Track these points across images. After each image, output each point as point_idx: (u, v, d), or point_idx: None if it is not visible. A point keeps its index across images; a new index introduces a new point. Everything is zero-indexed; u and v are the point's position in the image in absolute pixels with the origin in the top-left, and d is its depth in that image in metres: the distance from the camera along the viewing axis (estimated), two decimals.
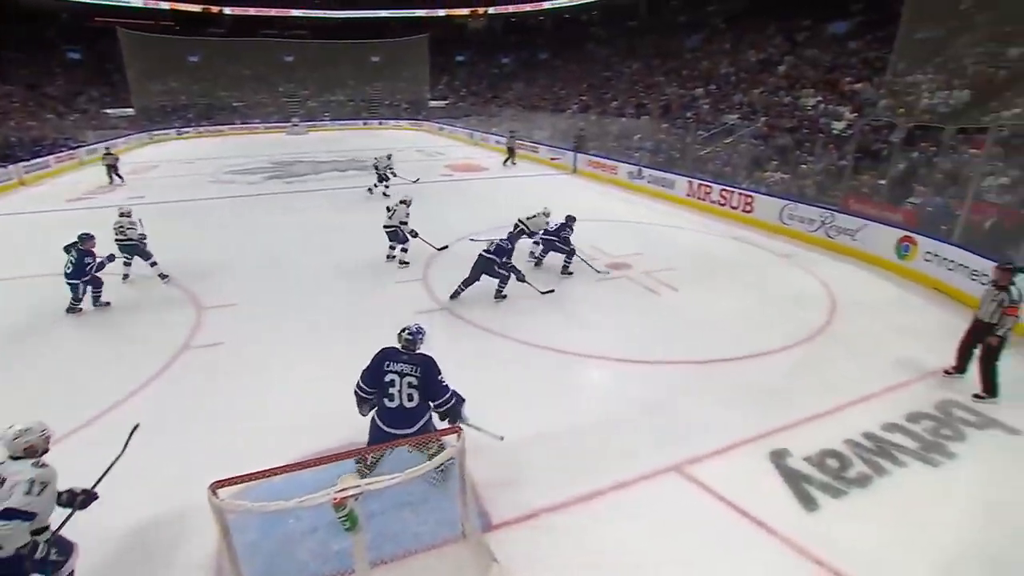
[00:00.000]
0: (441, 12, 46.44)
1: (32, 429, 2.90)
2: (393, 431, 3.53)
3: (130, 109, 34.32)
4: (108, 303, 7.35)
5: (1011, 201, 8.68)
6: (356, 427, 4.17)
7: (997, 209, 8.53)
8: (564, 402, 5.20)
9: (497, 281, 7.43)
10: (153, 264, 8.36)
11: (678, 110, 21.06)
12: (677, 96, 22.59)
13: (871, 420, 4.85)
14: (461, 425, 3.51)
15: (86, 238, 7.12)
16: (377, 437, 3.63)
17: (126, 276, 8.33)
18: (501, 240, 7.54)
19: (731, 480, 4.10)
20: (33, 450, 2.88)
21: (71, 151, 22.27)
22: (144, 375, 5.61)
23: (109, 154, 17.95)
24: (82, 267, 6.90)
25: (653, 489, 4.06)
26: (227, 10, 42.45)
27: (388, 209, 9.09)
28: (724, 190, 12.44)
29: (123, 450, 3.31)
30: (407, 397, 3.57)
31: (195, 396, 5.31)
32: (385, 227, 8.92)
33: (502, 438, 4.03)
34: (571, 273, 8.58)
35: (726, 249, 10.12)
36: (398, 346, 3.77)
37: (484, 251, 7.39)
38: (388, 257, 9.09)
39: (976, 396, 5.19)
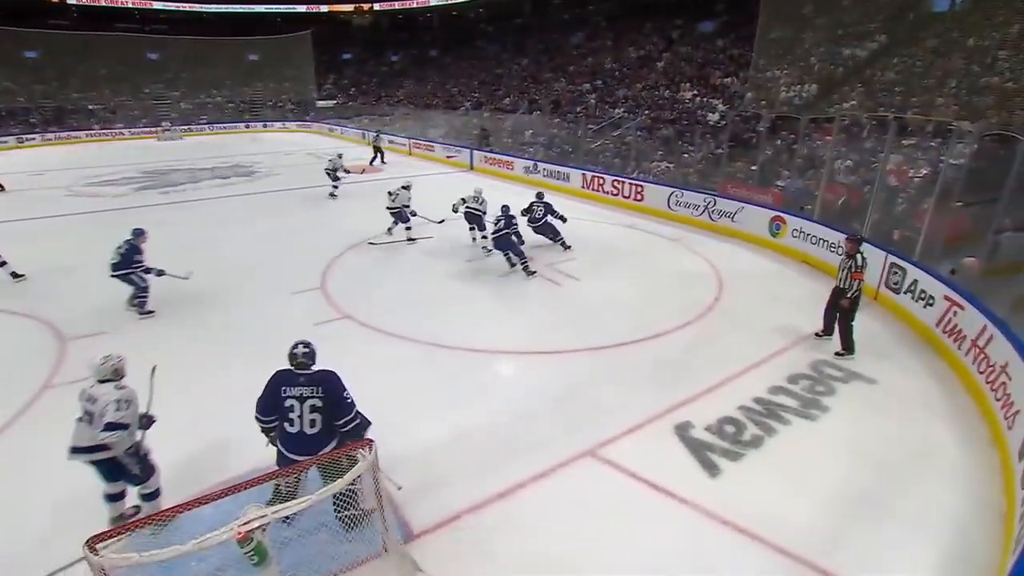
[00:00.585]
0: (324, 8, 44.42)
1: (113, 356, 3.60)
2: (298, 458, 3.30)
3: None
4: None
5: (855, 181, 9.87)
6: (261, 454, 3.90)
7: (846, 189, 9.68)
8: (475, 400, 5.20)
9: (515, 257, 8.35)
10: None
11: (568, 105, 21.78)
12: (566, 91, 23.35)
13: (760, 385, 5.32)
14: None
15: (139, 233, 7.25)
16: (284, 464, 3.41)
17: None
18: (503, 217, 8.42)
19: (641, 457, 4.32)
20: (118, 372, 3.56)
21: None
22: None
23: None
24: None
25: (569, 475, 4.18)
26: None
27: (390, 193, 10.10)
28: (616, 181, 13.04)
29: (151, 394, 3.66)
30: (309, 423, 3.33)
31: (58, 442, 4.67)
32: (389, 208, 10.00)
33: (400, 488, 3.76)
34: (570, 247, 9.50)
35: (621, 237, 10.63)
36: (291, 367, 3.46)
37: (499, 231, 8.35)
38: (388, 231, 10.17)
39: (837, 353, 5.87)
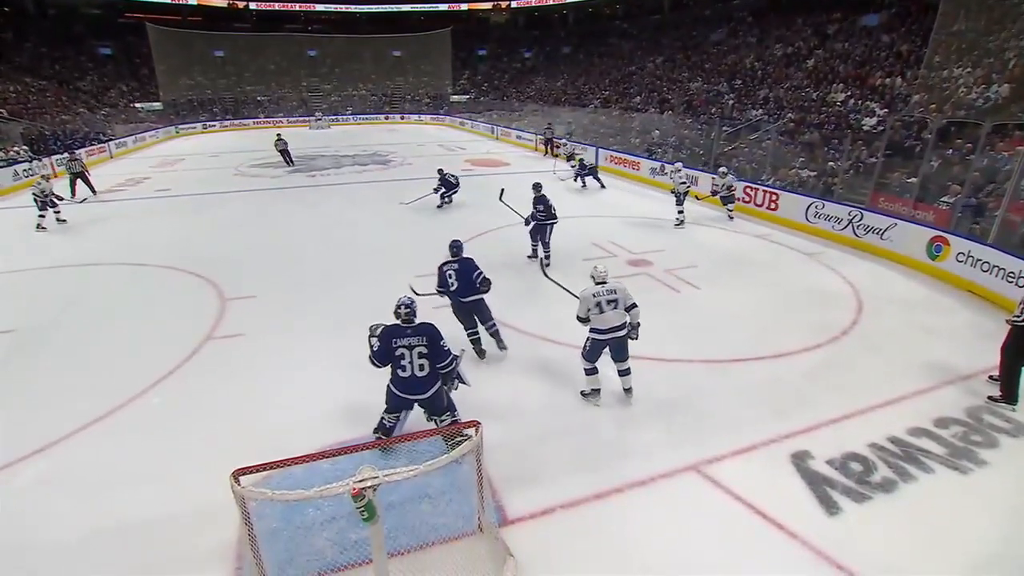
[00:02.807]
0: (464, 6, 46.41)
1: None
2: (408, 397, 4.03)
3: (158, 103, 35.03)
4: None
5: None
6: (374, 419, 4.23)
7: None
8: (578, 398, 5.17)
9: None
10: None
11: (702, 105, 20.78)
12: (701, 91, 22.28)
13: (897, 424, 4.73)
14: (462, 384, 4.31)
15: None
16: (395, 403, 4.09)
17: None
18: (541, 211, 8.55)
19: (751, 481, 4.04)
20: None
21: (101, 144, 22.83)
22: (169, 364, 5.74)
23: (280, 140, 19.46)
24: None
25: (671, 488, 4.02)
26: (252, 5, 43.00)
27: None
28: (749, 187, 12.23)
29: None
30: (418, 367, 3.98)
31: (217, 386, 5.41)
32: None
33: (469, 385, 4.47)
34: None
35: (750, 247, 9.95)
36: (398, 322, 4.08)
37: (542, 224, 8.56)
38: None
39: (991, 399, 5.03)
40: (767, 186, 12.03)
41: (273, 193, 15.17)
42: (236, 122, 36.10)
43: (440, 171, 12.89)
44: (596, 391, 5.03)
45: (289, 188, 15.74)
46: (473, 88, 41.84)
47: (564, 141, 19.53)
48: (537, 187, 8.93)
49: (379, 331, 4.18)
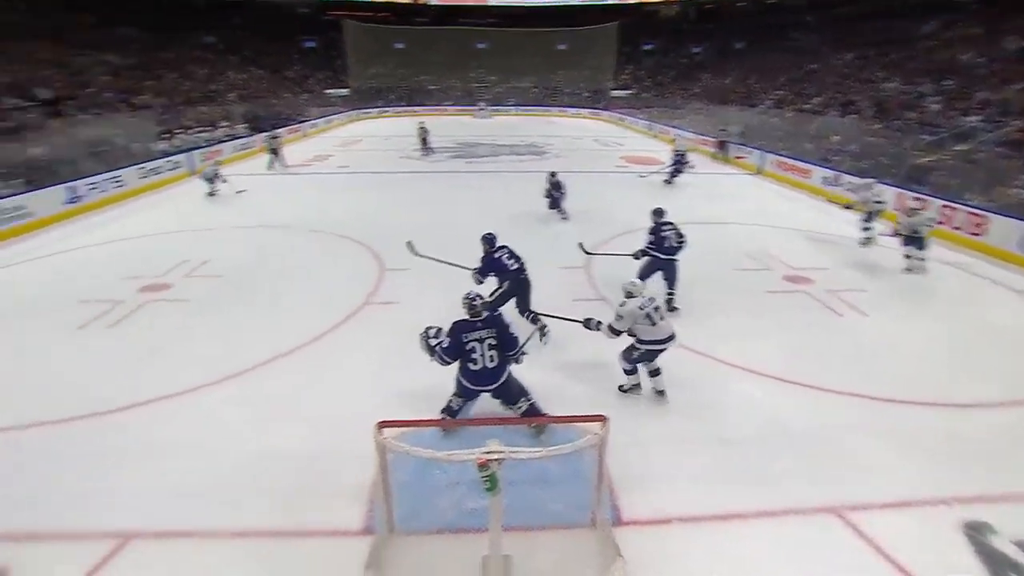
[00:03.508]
0: None
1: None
2: (479, 388, 4.14)
3: (346, 90, 39.40)
4: None
5: None
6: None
7: None
8: (706, 411, 4.93)
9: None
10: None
11: (897, 109, 18.16)
12: (897, 92, 19.47)
13: None
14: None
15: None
16: (465, 392, 4.21)
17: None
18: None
19: (907, 542, 3.54)
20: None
21: (298, 125, 26.32)
22: (334, 320, 6.52)
23: (422, 127, 20.51)
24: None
25: (804, 526, 3.68)
26: (433, 0, 46.28)
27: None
28: (946, 206, 10.50)
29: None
30: (489, 359, 4.06)
31: (368, 345, 6.02)
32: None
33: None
34: None
35: (939, 275, 8.56)
36: (466, 316, 4.15)
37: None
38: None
39: None
40: (972, 206, 10.22)
41: (434, 176, 16.35)
42: (407, 109, 39.33)
43: (552, 175, 11.60)
44: (638, 386, 5.12)
45: (448, 172, 16.84)
46: (635, 84, 40.94)
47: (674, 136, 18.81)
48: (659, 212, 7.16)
49: (438, 331, 4.31)
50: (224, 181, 13.43)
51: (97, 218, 11.58)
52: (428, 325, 4.41)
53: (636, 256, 6.92)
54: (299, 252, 9.28)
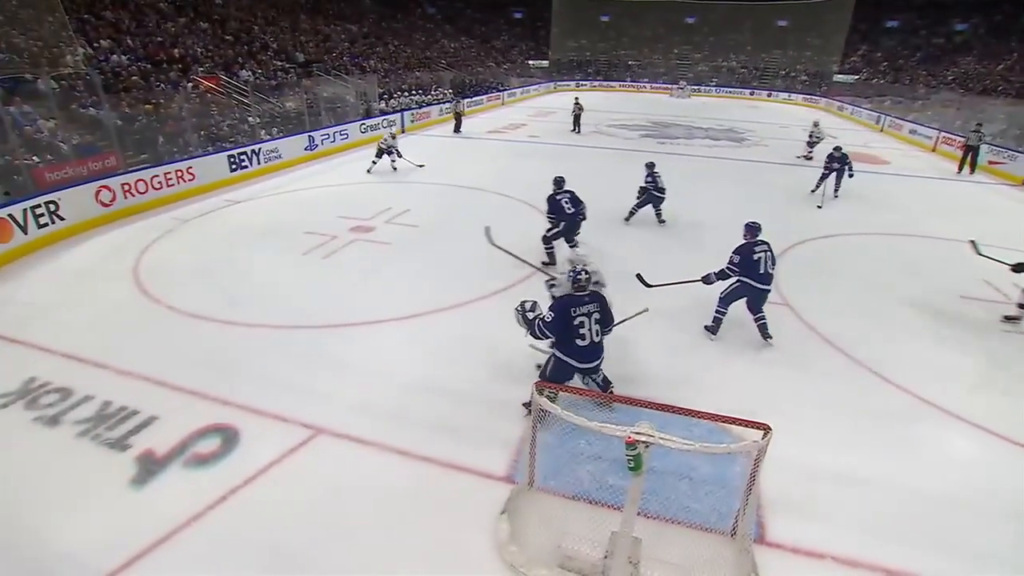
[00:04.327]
0: None
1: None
2: (584, 366, 4.03)
3: (546, 62, 40.24)
4: None
5: None
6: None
7: None
8: (904, 455, 4.25)
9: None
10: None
11: None
12: None
13: None
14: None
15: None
16: (566, 376, 4.09)
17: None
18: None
19: None
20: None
21: (498, 94, 27.66)
22: (507, 281, 6.90)
23: (577, 104, 19.59)
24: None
25: None
26: None
27: None
28: None
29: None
30: (595, 332, 4.00)
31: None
32: None
33: (646, 309, 4.89)
34: None
35: None
36: (573, 291, 4.05)
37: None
38: None
39: None
40: None
41: (623, 153, 16.08)
42: (604, 83, 38.93)
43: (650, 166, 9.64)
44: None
45: (638, 152, 16.41)
46: (867, 67, 35.32)
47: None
48: None
49: (534, 304, 4.23)
50: (399, 156, 12.64)
51: (326, 164, 13.60)
52: (523, 299, 4.36)
53: (708, 280, 5.54)
54: (487, 213, 9.85)
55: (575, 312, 3.97)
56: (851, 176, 11.17)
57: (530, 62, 39.46)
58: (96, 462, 3.88)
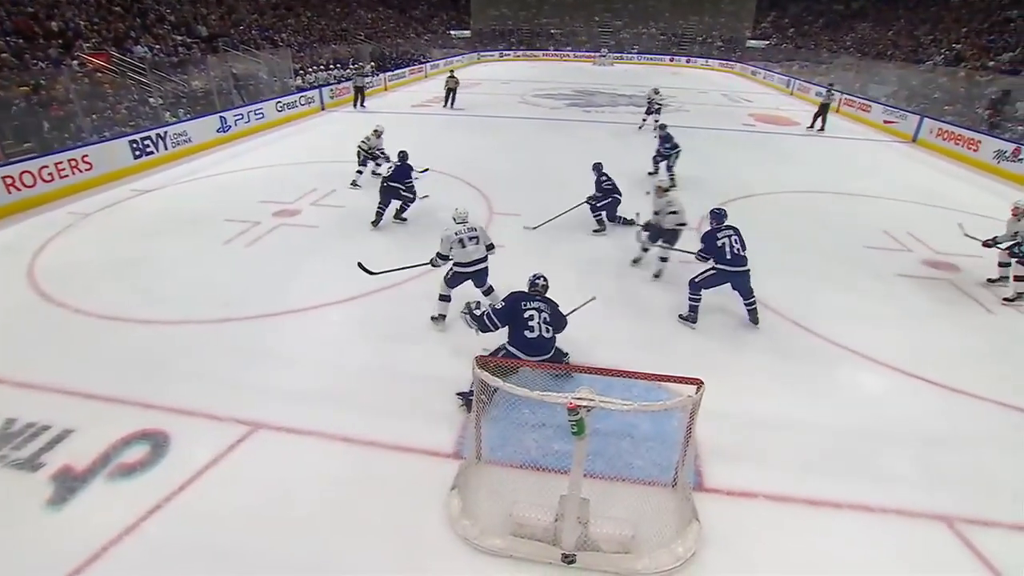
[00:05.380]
0: None
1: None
2: (532, 358, 4.00)
3: (468, 32, 39.35)
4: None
5: None
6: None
7: None
8: (825, 398, 4.64)
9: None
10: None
11: None
12: None
13: None
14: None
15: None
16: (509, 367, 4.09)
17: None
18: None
19: None
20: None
21: (420, 66, 26.85)
22: None
23: (452, 77, 18.50)
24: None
25: (903, 528, 3.42)
26: None
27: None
28: None
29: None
30: (545, 329, 4.10)
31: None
32: None
33: (593, 298, 4.95)
34: None
35: None
36: (525, 290, 4.30)
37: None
38: None
39: None
40: None
41: (550, 123, 16.10)
42: (528, 53, 38.63)
43: (662, 127, 10.62)
44: (443, 317, 5.44)
45: (564, 120, 16.51)
46: (776, 32, 36.99)
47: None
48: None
49: (478, 303, 4.39)
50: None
51: (242, 146, 12.79)
52: (467, 301, 4.46)
53: (699, 257, 5.63)
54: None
55: (525, 305, 4.14)
56: (676, 156, 10.24)
57: (452, 32, 38.46)
58: (3, 488, 3.56)
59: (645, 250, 6.82)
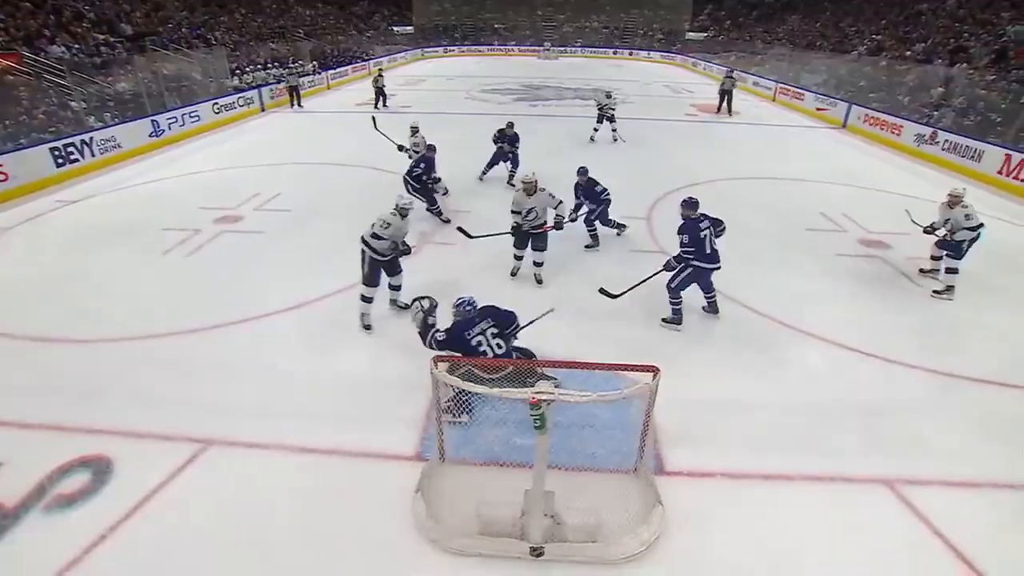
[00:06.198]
0: None
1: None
2: (491, 377, 3.78)
3: (410, 27, 38.78)
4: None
5: None
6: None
7: None
8: (771, 375, 4.84)
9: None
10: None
11: (1021, 58, 16.13)
12: None
13: None
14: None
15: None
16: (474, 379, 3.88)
17: None
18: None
19: (963, 521, 3.43)
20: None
21: (364, 63, 26.29)
22: None
23: (380, 76, 17.92)
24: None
25: (850, 494, 3.63)
26: None
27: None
28: None
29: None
30: (496, 346, 3.95)
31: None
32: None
33: (552, 309, 4.64)
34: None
35: None
36: (459, 320, 4.08)
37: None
38: None
39: None
40: None
41: (497, 119, 16.00)
42: (474, 48, 38.43)
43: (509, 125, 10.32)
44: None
45: (512, 115, 16.43)
46: (714, 25, 38.15)
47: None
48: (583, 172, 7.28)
49: (434, 306, 4.12)
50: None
51: (177, 151, 12.19)
52: (421, 296, 4.20)
53: (669, 266, 5.40)
54: (360, 190, 9.52)
55: (469, 335, 3.96)
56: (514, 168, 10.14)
57: (394, 28, 37.82)
58: None
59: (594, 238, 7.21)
